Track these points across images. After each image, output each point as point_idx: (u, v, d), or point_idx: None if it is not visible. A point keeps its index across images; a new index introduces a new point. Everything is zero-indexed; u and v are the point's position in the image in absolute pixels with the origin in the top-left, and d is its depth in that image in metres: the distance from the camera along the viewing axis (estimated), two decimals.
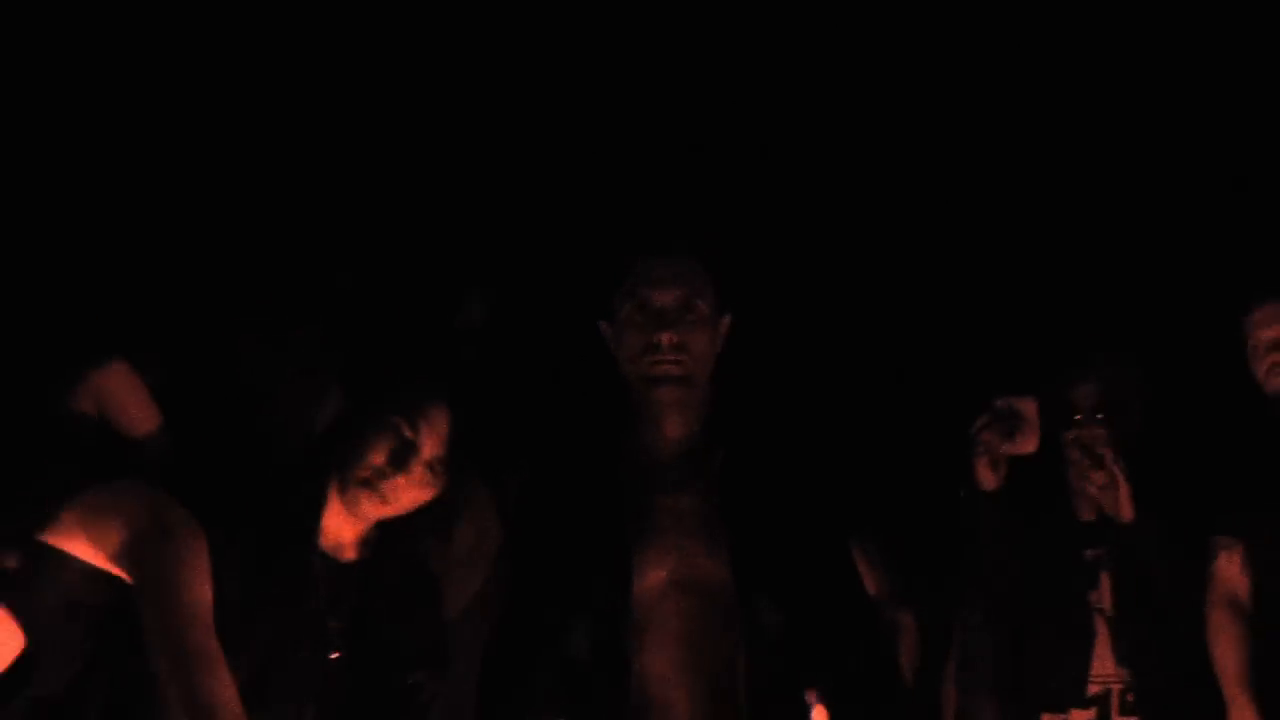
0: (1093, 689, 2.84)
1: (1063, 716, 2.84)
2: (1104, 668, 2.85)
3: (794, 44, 3.64)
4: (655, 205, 3.38)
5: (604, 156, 3.58)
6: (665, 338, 1.92)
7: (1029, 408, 2.61)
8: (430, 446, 1.81)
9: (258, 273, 3.32)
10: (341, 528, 1.83)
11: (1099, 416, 2.86)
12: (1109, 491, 2.80)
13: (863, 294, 3.82)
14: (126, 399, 2.09)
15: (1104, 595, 2.86)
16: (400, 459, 1.78)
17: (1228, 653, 2.70)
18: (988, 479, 2.63)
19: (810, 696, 1.88)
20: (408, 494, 1.80)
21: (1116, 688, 2.83)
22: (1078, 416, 2.88)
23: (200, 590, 1.65)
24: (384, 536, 1.87)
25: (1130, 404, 2.92)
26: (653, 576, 1.86)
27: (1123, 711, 2.83)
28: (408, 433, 1.80)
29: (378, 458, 1.78)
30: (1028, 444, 2.61)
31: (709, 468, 1.95)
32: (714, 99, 3.65)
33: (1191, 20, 3.77)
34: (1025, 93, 3.91)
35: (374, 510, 1.81)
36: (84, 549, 1.68)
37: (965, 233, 3.90)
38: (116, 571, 1.68)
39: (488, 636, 1.97)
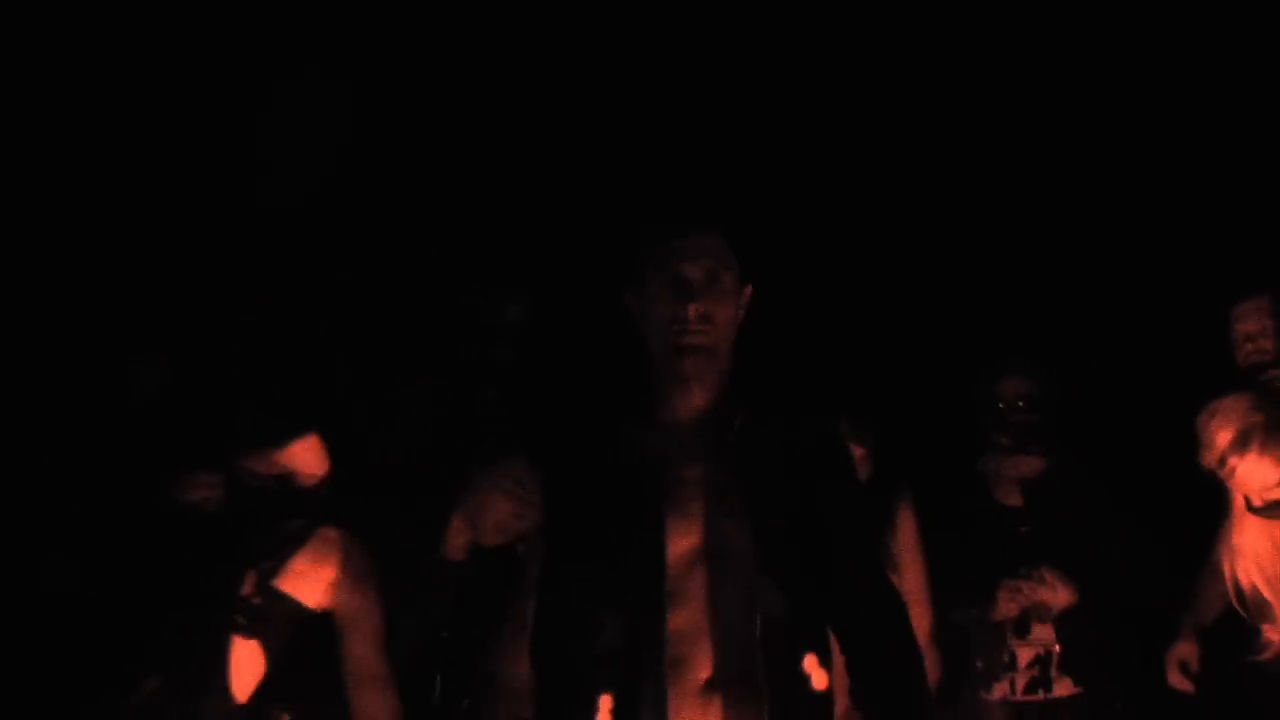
0: (1033, 652, 3.18)
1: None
2: (1043, 633, 3.17)
3: (810, 18, 3.67)
4: (675, 179, 3.42)
5: (626, 136, 3.60)
6: (692, 309, 1.95)
7: None
8: None
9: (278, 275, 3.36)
10: None
11: (1021, 405, 3.30)
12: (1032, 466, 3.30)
13: (876, 267, 3.86)
14: (315, 461, 2.33)
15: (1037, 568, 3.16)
16: None
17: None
18: None
19: (809, 661, 1.89)
20: None
21: (1056, 650, 3.16)
22: (1001, 406, 3.31)
23: (381, 621, 2.14)
24: None
25: (1048, 398, 3.35)
26: (682, 545, 1.88)
27: (1060, 670, 3.16)
28: None
29: None
30: None
31: (731, 439, 1.97)
32: (731, 76, 3.69)
33: (1141, 37, 3.86)
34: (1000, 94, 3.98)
35: None
36: (304, 592, 2.13)
37: (969, 209, 3.95)
38: (324, 607, 2.13)
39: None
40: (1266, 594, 2.46)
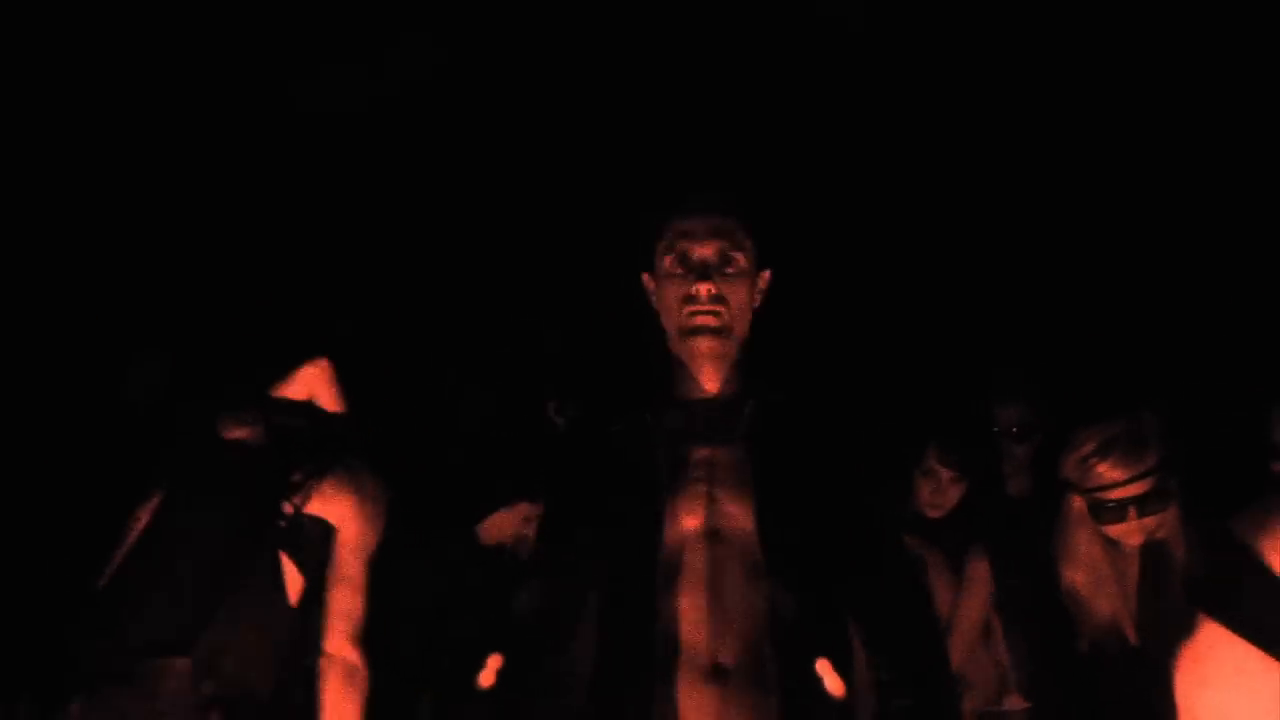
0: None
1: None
2: (997, 653, 3.15)
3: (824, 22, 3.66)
4: (698, 163, 3.43)
5: (647, 117, 3.62)
6: (704, 289, 1.96)
7: None
8: None
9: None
10: None
11: (1014, 431, 3.24)
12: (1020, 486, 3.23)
13: (894, 263, 3.84)
14: (330, 388, 2.59)
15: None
16: None
17: None
18: None
19: (821, 665, 1.86)
20: None
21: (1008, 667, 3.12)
22: (997, 430, 3.26)
23: (372, 537, 2.37)
24: None
25: (1041, 421, 3.27)
26: (684, 524, 1.89)
27: (1018, 688, 3.13)
28: None
29: None
30: None
31: (742, 420, 1.97)
32: (751, 62, 3.68)
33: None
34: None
35: None
36: (331, 513, 2.35)
37: (980, 207, 3.92)
38: (336, 523, 2.36)
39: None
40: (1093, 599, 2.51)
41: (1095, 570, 2.50)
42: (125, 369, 3.22)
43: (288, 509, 2.33)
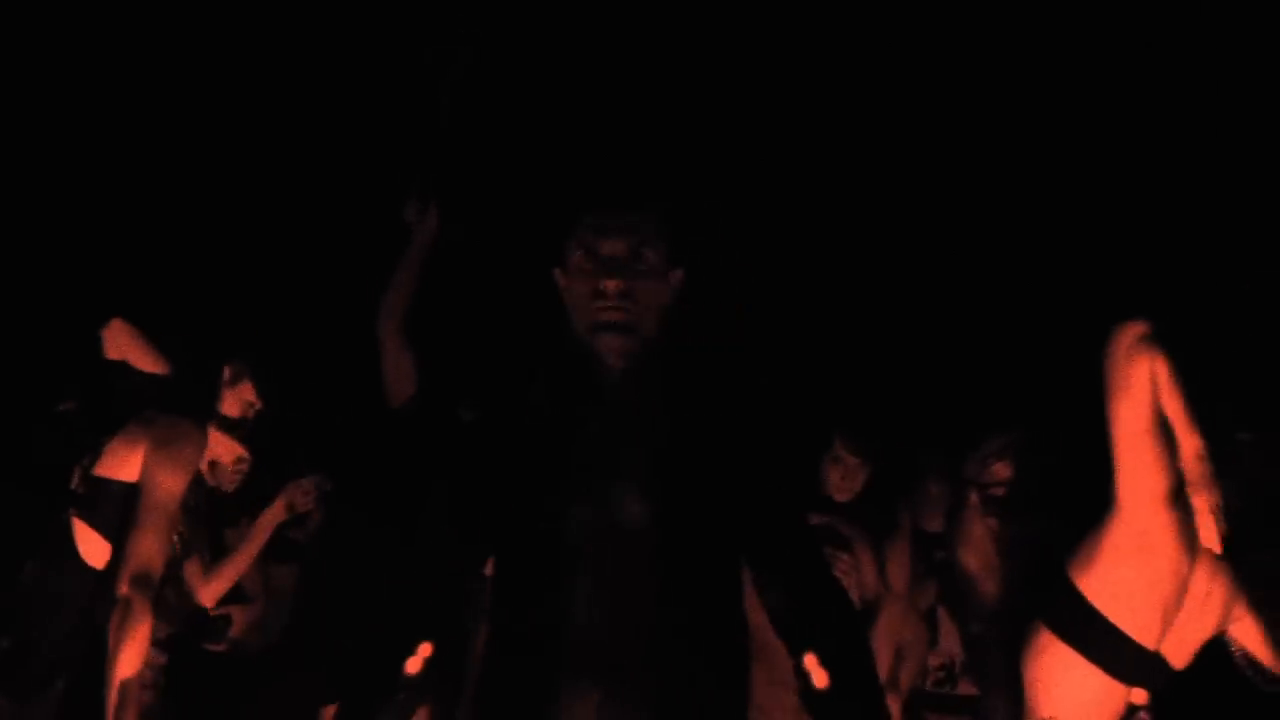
0: (940, 660, 3.54)
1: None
2: (950, 644, 3.52)
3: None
4: (618, 160, 3.43)
5: (571, 117, 3.64)
6: (611, 285, 1.94)
7: None
8: None
9: None
10: None
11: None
12: None
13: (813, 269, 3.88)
14: (131, 345, 2.69)
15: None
16: None
17: None
18: None
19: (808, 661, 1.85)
20: None
21: (958, 660, 3.51)
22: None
23: (170, 482, 2.44)
24: None
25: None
26: (582, 519, 1.87)
27: (965, 674, 3.50)
28: None
29: None
30: None
31: (645, 420, 1.95)
32: (678, 65, 3.71)
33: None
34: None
35: None
36: (122, 470, 2.44)
37: (911, 203, 3.96)
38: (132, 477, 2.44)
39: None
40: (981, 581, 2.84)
41: (985, 556, 2.85)
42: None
43: (76, 472, 2.46)
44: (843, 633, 1.89)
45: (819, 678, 1.80)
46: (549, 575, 1.85)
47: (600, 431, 1.94)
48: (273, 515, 3.10)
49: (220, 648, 3.25)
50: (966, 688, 3.50)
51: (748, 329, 3.51)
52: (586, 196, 2.09)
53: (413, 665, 1.87)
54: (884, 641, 3.36)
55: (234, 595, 3.14)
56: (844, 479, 3.35)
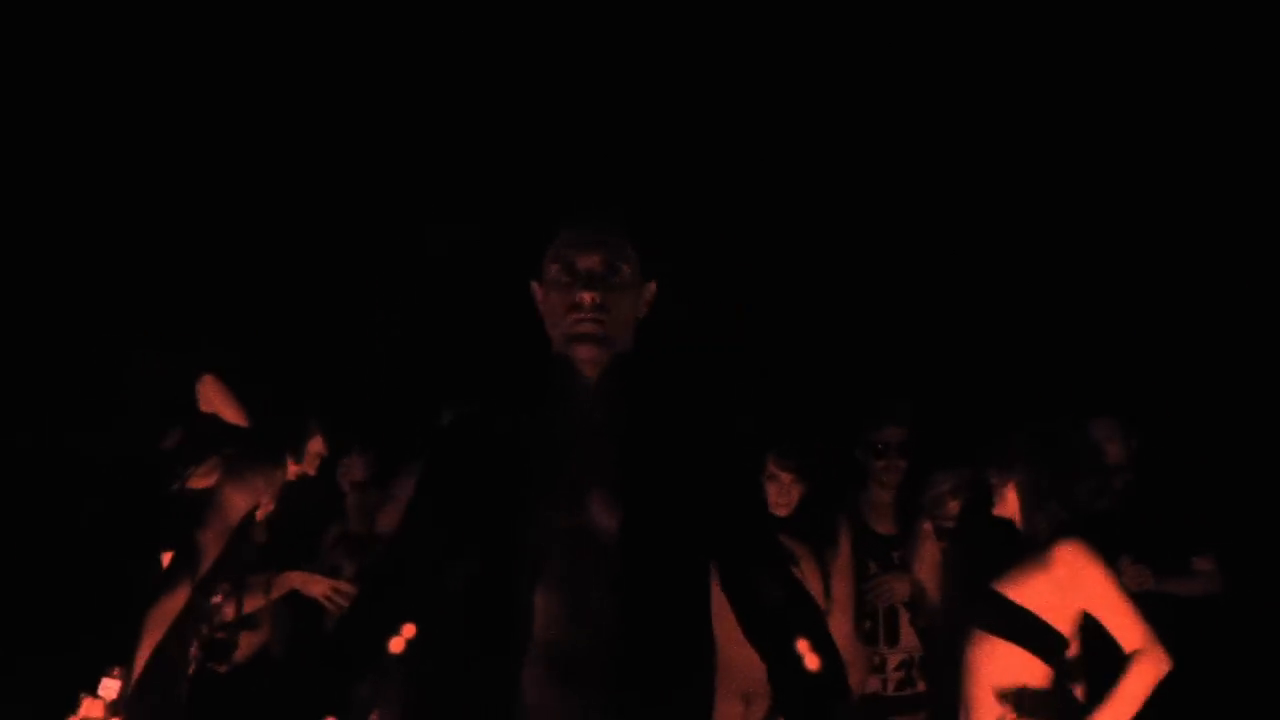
0: (899, 658, 3.77)
1: None
2: (909, 642, 3.77)
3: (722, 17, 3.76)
4: (589, 178, 3.51)
5: (545, 130, 3.70)
6: (588, 297, 2.03)
7: None
8: None
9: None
10: None
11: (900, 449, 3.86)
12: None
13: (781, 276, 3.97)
14: (220, 400, 3.16)
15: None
16: None
17: None
18: None
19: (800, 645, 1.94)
20: None
21: (917, 655, 3.76)
22: (881, 446, 3.87)
23: (237, 499, 2.89)
24: None
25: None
26: (550, 522, 1.96)
27: (921, 671, 3.76)
28: None
29: None
30: None
31: (615, 427, 2.04)
32: (650, 76, 3.78)
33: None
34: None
35: None
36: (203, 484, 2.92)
37: (878, 210, 4.05)
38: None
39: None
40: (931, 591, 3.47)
41: (935, 570, 3.56)
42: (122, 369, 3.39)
43: (176, 487, 2.91)
44: (813, 626, 1.98)
45: (811, 661, 1.89)
46: (513, 575, 1.93)
47: (571, 437, 2.03)
48: (303, 582, 3.49)
49: (223, 669, 3.38)
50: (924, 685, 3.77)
51: (735, 334, 3.61)
52: (574, 203, 2.18)
53: (396, 645, 1.97)
54: None
55: (243, 620, 3.35)
56: (780, 495, 3.50)
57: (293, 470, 3.22)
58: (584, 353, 2.04)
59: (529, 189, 3.69)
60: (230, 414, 3.12)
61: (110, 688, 2.46)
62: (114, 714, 2.47)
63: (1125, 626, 2.78)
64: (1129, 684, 2.71)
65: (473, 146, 3.92)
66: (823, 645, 1.95)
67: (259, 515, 3.15)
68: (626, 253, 2.08)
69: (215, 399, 3.12)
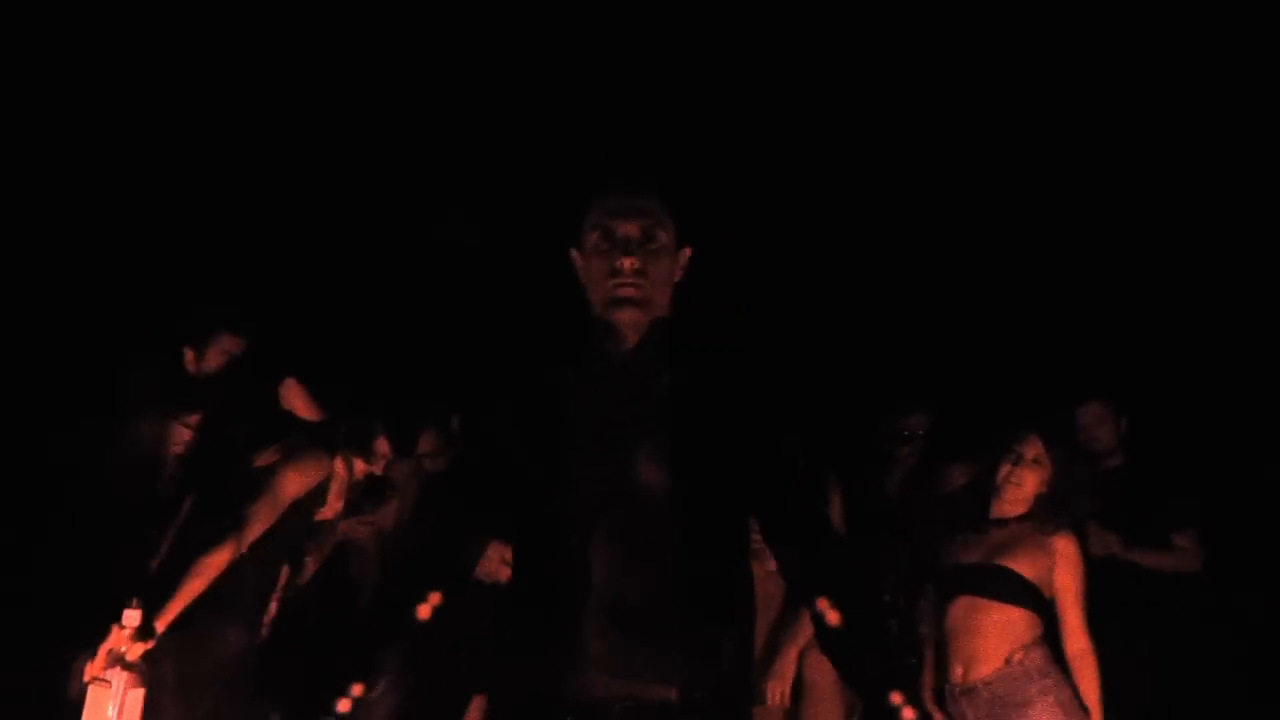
0: None
1: None
2: None
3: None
4: (626, 146, 3.58)
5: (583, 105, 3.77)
6: (627, 263, 2.10)
7: None
8: None
9: None
10: None
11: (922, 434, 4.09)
12: None
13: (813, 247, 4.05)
14: (298, 399, 3.49)
15: None
16: None
17: None
18: None
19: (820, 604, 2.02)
20: None
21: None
22: (907, 433, 4.07)
23: (294, 478, 3.17)
24: None
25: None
26: (598, 481, 2.03)
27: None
28: None
29: None
30: None
31: (658, 387, 2.11)
32: (681, 51, 3.86)
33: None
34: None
35: None
36: (265, 462, 3.22)
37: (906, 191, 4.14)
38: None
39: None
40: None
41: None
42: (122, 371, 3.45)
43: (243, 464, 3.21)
44: (851, 580, 2.05)
45: (831, 617, 1.97)
46: (567, 532, 2.00)
47: (616, 396, 2.10)
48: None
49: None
50: None
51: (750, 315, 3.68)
52: (596, 182, 2.25)
53: (424, 611, 2.04)
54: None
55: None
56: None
57: (360, 469, 3.46)
58: (625, 316, 2.11)
59: (535, 181, 3.76)
60: (306, 413, 3.46)
61: (132, 617, 2.62)
62: (138, 640, 2.62)
63: (1075, 627, 3.27)
64: (1091, 686, 3.23)
65: (473, 143, 3.98)
66: (851, 599, 2.01)
67: (328, 513, 3.39)
68: (663, 219, 2.16)
69: (294, 399, 3.45)
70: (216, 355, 3.50)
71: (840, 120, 4.07)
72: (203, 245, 3.97)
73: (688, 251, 2.22)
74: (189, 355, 3.51)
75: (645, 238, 2.13)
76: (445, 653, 3.26)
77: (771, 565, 2.24)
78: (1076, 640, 3.26)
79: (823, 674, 3.48)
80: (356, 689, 2.01)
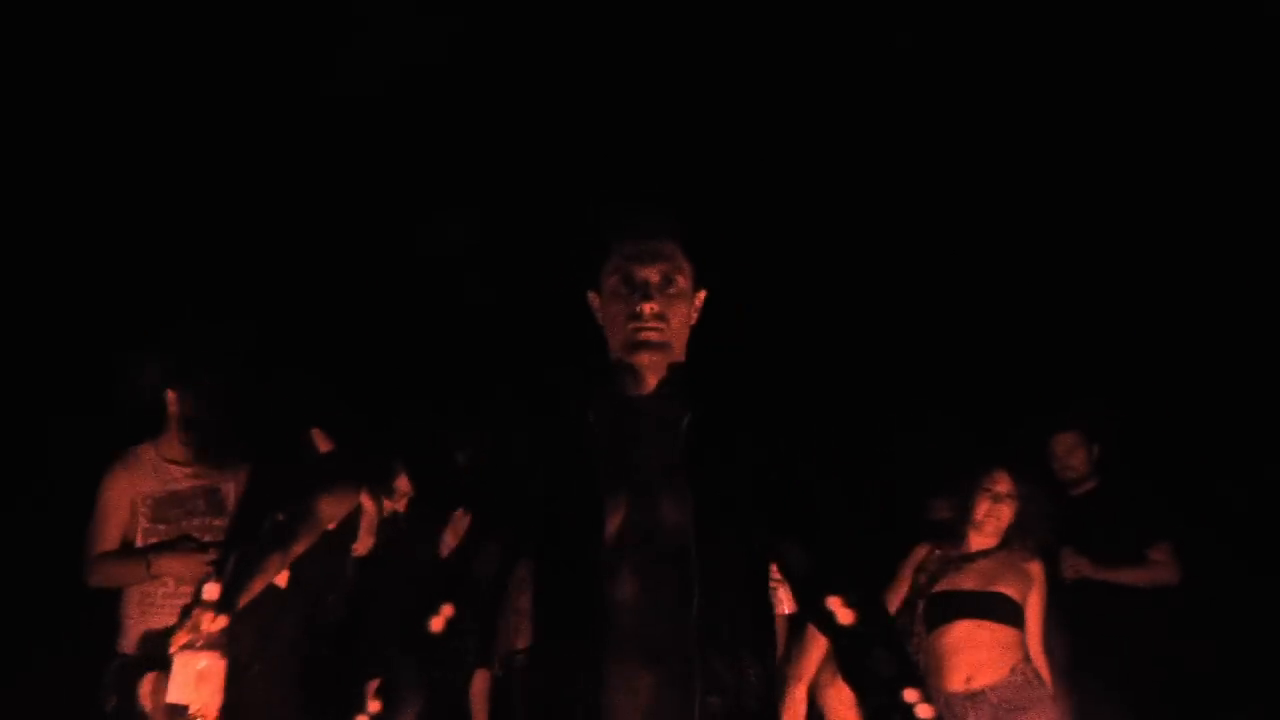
0: None
1: None
2: None
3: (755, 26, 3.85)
4: (639, 189, 3.59)
5: (594, 144, 3.77)
6: (648, 307, 2.14)
7: None
8: None
9: None
10: None
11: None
12: None
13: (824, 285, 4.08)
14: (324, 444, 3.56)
15: None
16: None
17: None
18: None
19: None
20: None
21: None
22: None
23: (325, 507, 3.16)
24: None
25: None
26: (619, 521, 2.06)
27: None
28: None
29: None
30: None
31: (677, 427, 2.14)
32: (692, 86, 3.86)
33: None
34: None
35: None
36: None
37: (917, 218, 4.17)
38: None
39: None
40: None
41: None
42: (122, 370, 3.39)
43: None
44: (861, 577, 2.12)
45: (843, 616, 2.03)
46: (594, 569, 2.03)
47: (637, 438, 2.13)
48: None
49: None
50: None
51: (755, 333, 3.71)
52: (611, 226, 2.27)
53: (436, 624, 2.09)
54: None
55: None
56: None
57: (385, 506, 3.58)
58: (646, 359, 2.15)
59: (533, 186, 3.75)
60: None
61: (211, 590, 2.71)
62: (219, 612, 2.68)
63: (1035, 634, 3.79)
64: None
65: (473, 148, 3.97)
66: (863, 597, 2.07)
67: (360, 549, 3.50)
68: (681, 264, 2.19)
69: (320, 445, 3.55)
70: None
71: (838, 133, 4.08)
72: (207, 258, 3.92)
73: (703, 293, 2.24)
74: (171, 396, 3.39)
75: (665, 282, 2.16)
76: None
77: (780, 610, 2.28)
78: (1035, 645, 3.81)
79: (834, 706, 3.69)
80: (374, 705, 2.06)
